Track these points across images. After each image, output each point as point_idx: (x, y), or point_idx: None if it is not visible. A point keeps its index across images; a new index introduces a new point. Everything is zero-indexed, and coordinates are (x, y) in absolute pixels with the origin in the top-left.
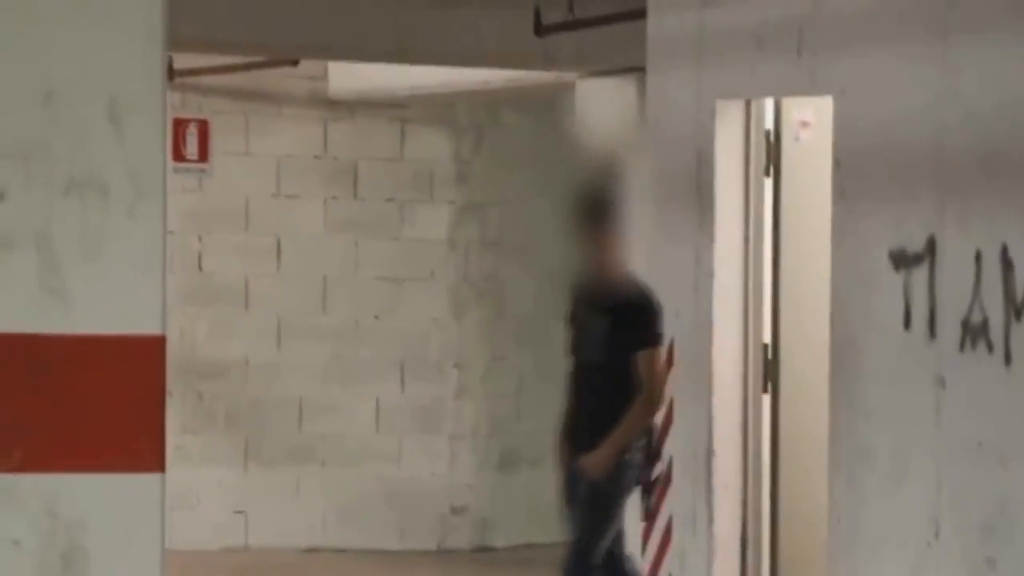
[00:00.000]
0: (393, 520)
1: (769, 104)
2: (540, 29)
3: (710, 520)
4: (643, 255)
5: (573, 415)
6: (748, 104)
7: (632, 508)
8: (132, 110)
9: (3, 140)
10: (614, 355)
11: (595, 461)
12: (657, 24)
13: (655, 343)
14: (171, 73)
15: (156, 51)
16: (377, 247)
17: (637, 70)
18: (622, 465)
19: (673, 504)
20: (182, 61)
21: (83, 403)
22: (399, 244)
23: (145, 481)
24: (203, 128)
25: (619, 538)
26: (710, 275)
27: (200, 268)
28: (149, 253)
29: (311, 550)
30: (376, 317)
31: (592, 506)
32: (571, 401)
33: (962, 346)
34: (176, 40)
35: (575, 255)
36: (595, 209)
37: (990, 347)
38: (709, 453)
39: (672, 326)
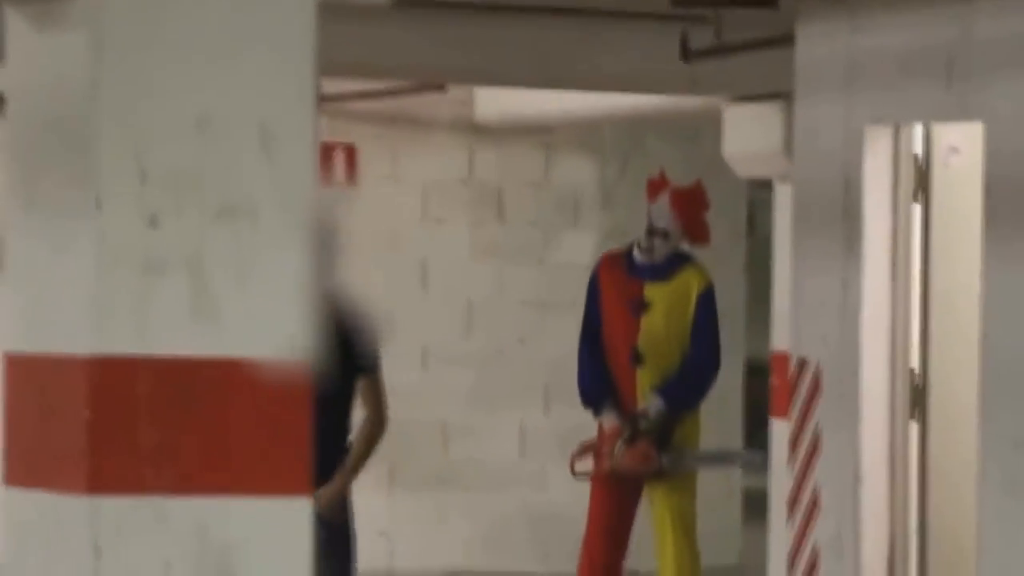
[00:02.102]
0: (536, 543)
1: (918, 130)
2: (687, 55)
3: (857, 547)
4: (786, 279)
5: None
6: (897, 130)
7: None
8: (283, 136)
9: (156, 167)
10: (335, 382)
11: (328, 496)
12: (805, 50)
13: (375, 368)
14: (319, 98)
15: (307, 78)
16: (521, 272)
17: (784, 96)
18: (349, 499)
19: (819, 530)
20: (330, 86)
21: (233, 426)
22: (543, 269)
23: (293, 504)
24: (350, 153)
25: None
26: (857, 301)
27: None
28: (298, 278)
29: (454, 573)
30: (520, 341)
31: (336, 548)
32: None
33: None
34: (325, 66)
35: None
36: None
37: None
38: (856, 480)
39: (818, 351)
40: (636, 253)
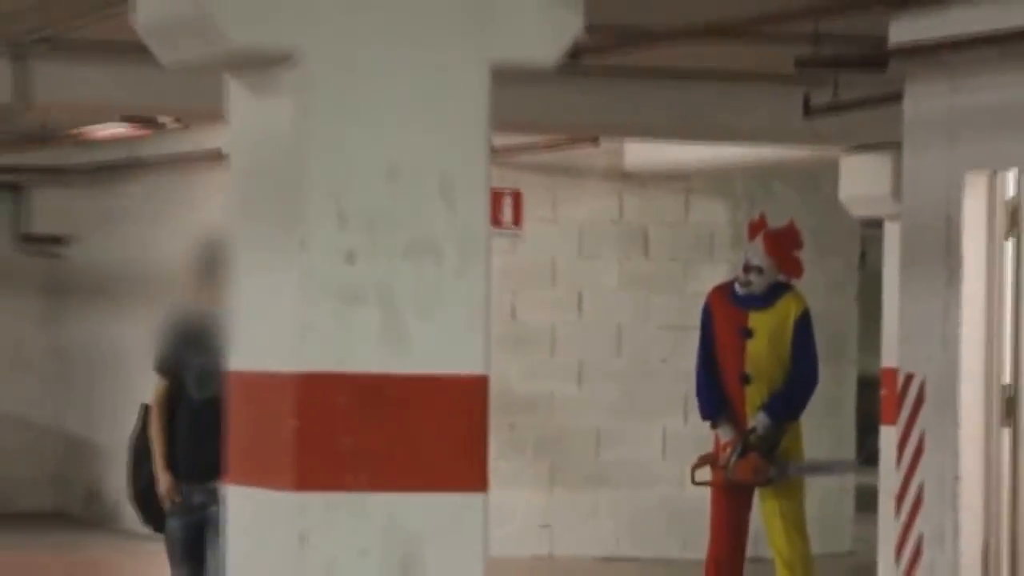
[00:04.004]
0: (676, 533)
1: (1011, 175)
2: (808, 111)
3: (956, 538)
4: (895, 305)
5: (201, 453)
6: (992, 175)
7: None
8: (461, 184)
9: (353, 211)
10: (216, 390)
11: None
12: (913, 105)
13: None
14: (491, 151)
15: (481, 133)
16: (664, 300)
17: (893, 146)
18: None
19: (924, 522)
20: (500, 140)
21: (419, 432)
22: (683, 298)
23: (471, 499)
24: (516, 198)
25: None
26: (957, 325)
27: (513, 318)
28: (475, 306)
29: (606, 559)
30: (663, 360)
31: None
32: (198, 438)
33: None
34: (496, 123)
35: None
36: (209, 263)
37: None
38: (955, 479)
39: (922, 368)
40: (736, 287)
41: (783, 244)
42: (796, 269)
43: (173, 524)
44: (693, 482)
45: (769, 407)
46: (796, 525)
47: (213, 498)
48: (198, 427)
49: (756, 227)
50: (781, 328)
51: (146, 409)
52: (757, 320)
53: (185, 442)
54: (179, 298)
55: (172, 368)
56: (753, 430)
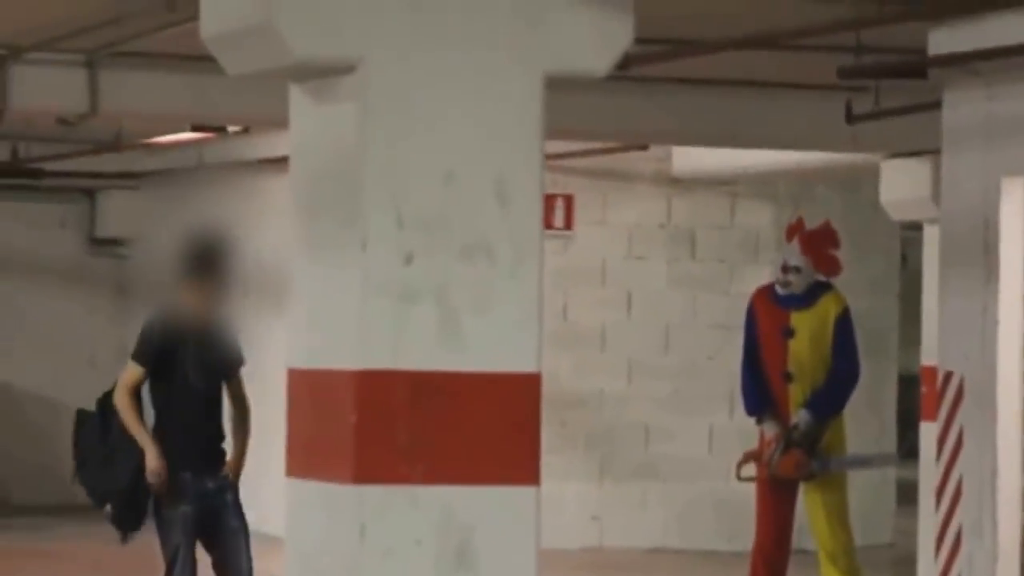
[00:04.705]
0: (723, 526)
1: None
2: (850, 118)
3: (994, 529)
4: (934, 305)
5: (190, 441)
6: None
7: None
8: (515, 188)
9: (411, 214)
10: (216, 381)
11: (237, 472)
12: (951, 113)
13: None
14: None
15: (535, 139)
16: (711, 300)
17: (932, 152)
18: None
19: (963, 515)
20: (552, 146)
21: (474, 428)
22: (729, 297)
23: (523, 492)
24: (568, 202)
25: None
26: (995, 322)
27: (565, 317)
28: (527, 306)
29: (654, 550)
30: (709, 358)
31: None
32: (201, 428)
33: None
34: (549, 129)
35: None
36: (203, 258)
37: None
38: (994, 472)
39: (961, 365)
40: (777, 287)
41: (819, 243)
42: (834, 267)
43: (185, 510)
44: (738, 478)
45: (811, 404)
46: (839, 518)
47: (226, 484)
48: (199, 417)
49: (793, 229)
50: (822, 327)
51: (100, 410)
52: (799, 320)
53: (189, 431)
54: (172, 294)
55: (155, 360)
56: (796, 426)
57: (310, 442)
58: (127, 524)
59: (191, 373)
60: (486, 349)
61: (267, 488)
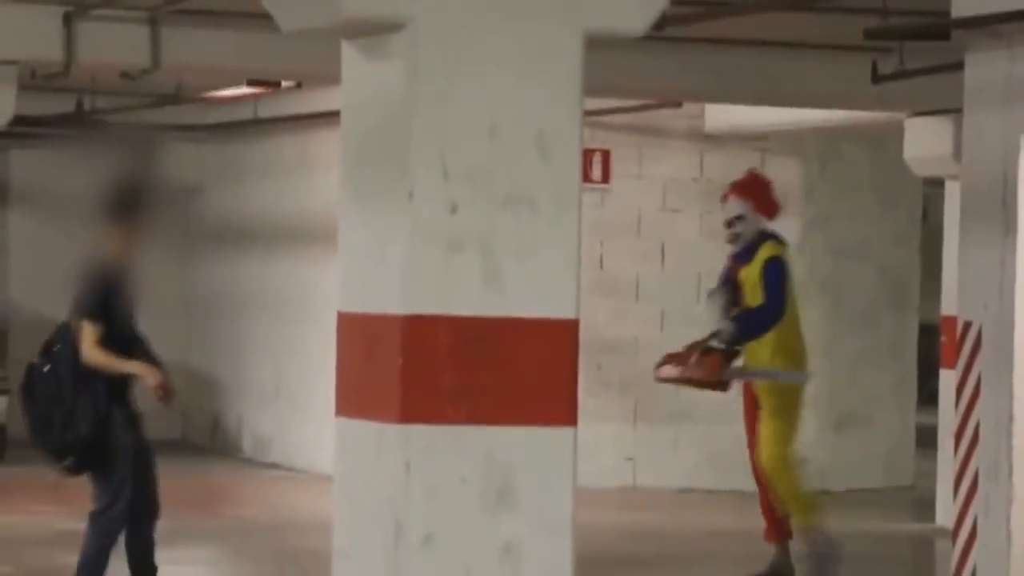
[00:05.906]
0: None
1: None
2: (876, 78)
3: (1010, 472)
4: (954, 257)
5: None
6: None
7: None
8: (555, 142)
9: (456, 166)
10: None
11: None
12: (972, 73)
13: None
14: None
15: (575, 95)
16: None
17: (955, 111)
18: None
19: (980, 458)
20: (591, 103)
21: (515, 371)
22: None
23: (561, 433)
24: (605, 156)
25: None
26: (1013, 275)
27: (601, 267)
28: (567, 255)
29: (686, 490)
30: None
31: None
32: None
33: None
34: (588, 86)
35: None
36: (126, 204)
37: None
38: (1010, 418)
39: (980, 315)
40: (730, 246)
41: (751, 187)
42: (772, 208)
43: (128, 439)
44: (656, 379)
45: (735, 318)
46: (775, 440)
47: (141, 419)
48: (133, 356)
49: (725, 195)
50: (758, 274)
51: (48, 366)
52: (745, 273)
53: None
54: (97, 242)
55: (104, 312)
56: (719, 331)
57: (359, 383)
58: (81, 470)
59: (125, 317)
60: (527, 296)
61: (316, 428)
